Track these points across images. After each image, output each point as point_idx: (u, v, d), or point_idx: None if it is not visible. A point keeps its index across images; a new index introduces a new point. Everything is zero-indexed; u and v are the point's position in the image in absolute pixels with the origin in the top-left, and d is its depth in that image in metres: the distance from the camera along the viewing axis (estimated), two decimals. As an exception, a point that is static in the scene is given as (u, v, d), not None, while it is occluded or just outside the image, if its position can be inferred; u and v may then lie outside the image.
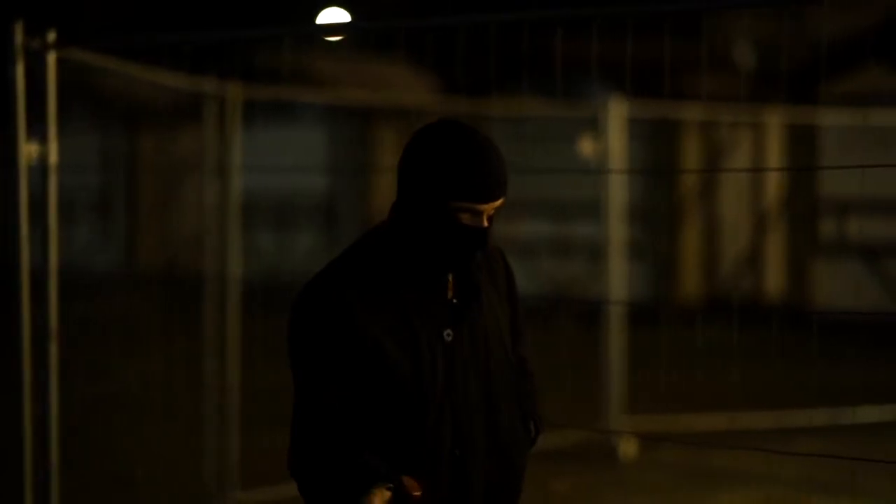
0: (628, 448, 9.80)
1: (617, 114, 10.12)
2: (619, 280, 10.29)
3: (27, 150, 5.28)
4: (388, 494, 3.11)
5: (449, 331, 3.21)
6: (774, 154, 18.26)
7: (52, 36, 5.33)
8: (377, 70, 20.43)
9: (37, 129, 5.32)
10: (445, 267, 3.22)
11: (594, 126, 10.18)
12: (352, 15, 27.46)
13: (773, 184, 18.14)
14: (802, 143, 17.49)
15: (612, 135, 10.07)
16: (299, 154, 19.66)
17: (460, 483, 3.23)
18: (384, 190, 21.19)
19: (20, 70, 5.21)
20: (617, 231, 10.18)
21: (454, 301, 3.25)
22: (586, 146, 10.11)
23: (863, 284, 16.43)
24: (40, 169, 5.32)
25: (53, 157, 5.34)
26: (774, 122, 17.15)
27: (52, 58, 5.33)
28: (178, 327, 8.54)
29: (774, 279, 18.23)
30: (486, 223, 3.15)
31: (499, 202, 3.15)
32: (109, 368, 8.28)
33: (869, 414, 10.54)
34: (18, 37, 5.22)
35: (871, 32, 16.27)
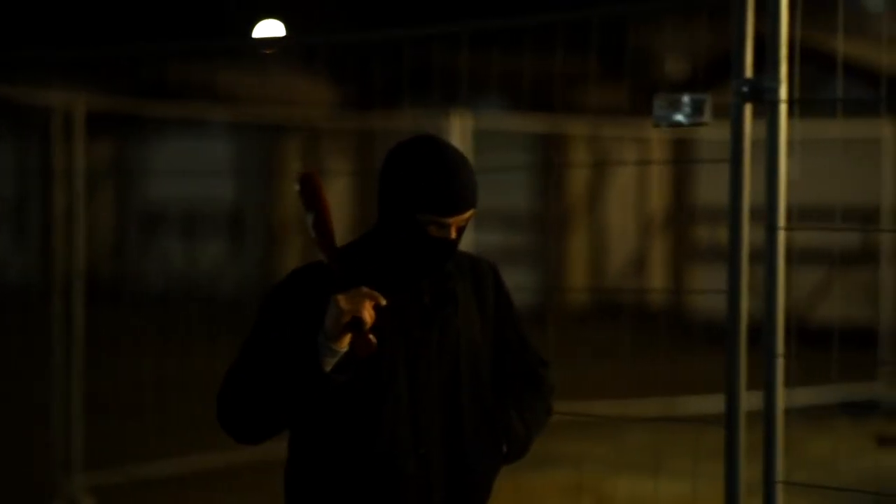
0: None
1: (459, 125, 10.80)
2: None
3: None
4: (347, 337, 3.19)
5: (417, 331, 3.29)
6: (657, 166, 19.02)
7: None
8: (279, 83, 21.05)
9: None
10: (417, 274, 3.32)
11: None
12: (286, 27, 27.92)
13: (657, 194, 18.91)
14: (684, 155, 18.29)
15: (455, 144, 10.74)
16: (207, 165, 20.26)
17: (424, 478, 3.30)
18: (291, 199, 21.81)
19: None
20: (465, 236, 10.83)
21: (427, 304, 3.33)
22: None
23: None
24: None
25: None
26: (656, 135, 17.90)
27: None
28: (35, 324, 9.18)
29: (658, 284, 18.99)
30: (453, 235, 3.26)
31: (466, 215, 3.26)
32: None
33: (699, 404, 11.28)
34: None
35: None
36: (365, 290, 3.14)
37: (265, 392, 3.21)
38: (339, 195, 20.64)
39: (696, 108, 4.04)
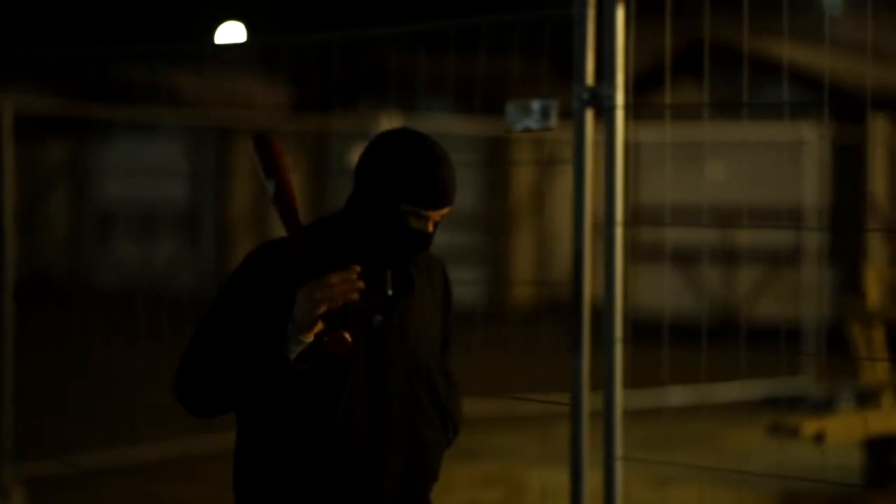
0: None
1: (388, 127, 11.10)
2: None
3: None
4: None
5: (379, 317, 3.34)
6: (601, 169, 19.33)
7: None
8: (233, 85, 21.30)
9: None
10: (386, 263, 3.37)
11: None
12: (248, 30, 28.03)
13: (600, 195, 19.22)
14: (629, 157, 18.61)
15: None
16: (160, 165, 20.50)
17: (377, 463, 3.35)
18: (243, 198, 22.07)
19: None
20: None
21: (389, 293, 3.38)
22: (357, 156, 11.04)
23: (676, 288, 17.55)
24: None
25: None
26: (601, 137, 18.19)
27: None
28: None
29: (600, 284, 19.30)
30: (430, 228, 3.33)
31: (445, 210, 3.34)
32: None
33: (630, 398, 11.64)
34: None
35: (682, 52, 17.32)
36: (334, 277, 3.15)
37: (226, 372, 3.25)
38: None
39: (545, 114, 4.32)
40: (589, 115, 4.33)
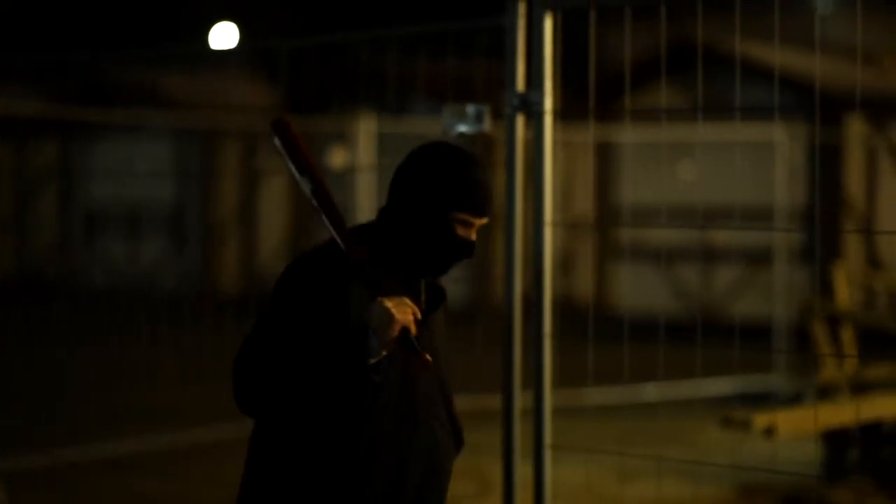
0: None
1: (365, 128, 11.32)
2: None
3: None
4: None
5: (414, 327, 3.30)
6: (582, 168, 19.55)
7: None
8: (220, 85, 21.46)
9: None
10: (427, 272, 3.41)
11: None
12: (240, 32, 28.31)
13: (581, 195, 19.43)
14: (604, 157, 18.88)
15: (362, 147, 11.30)
16: (148, 167, 20.69)
17: (398, 473, 3.38)
18: (229, 199, 22.24)
19: None
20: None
21: (423, 306, 3.41)
22: (336, 157, 11.28)
23: (656, 286, 17.75)
24: None
25: None
26: (580, 139, 18.42)
27: None
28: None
29: (583, 283, 19.53)
30: (474, 236, 3.40)
31: (486, 219, 3.41)
32: None
33: (604, 395, 11.85)
34: None
35: (663, 54, 17.50)
36: (408, 300, 3.21)
37: (298, 379, 3.23)
38: (276, 195, 21.15)
39: (479, 118, 4.52)
40: (520, 120, 4.52)
